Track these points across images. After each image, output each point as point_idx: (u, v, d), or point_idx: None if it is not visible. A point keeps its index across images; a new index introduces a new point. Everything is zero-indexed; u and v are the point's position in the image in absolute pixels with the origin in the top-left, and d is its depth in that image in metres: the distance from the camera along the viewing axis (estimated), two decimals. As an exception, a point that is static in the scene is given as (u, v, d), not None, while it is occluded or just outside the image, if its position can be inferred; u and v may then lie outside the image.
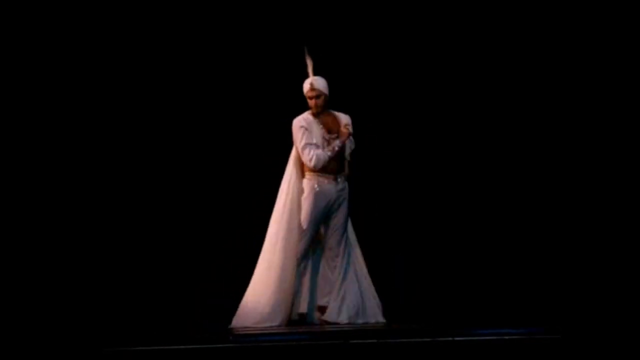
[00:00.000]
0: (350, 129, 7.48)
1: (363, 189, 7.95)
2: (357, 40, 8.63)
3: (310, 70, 7.45)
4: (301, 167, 7.53)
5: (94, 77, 8.32)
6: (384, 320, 7.49)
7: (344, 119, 7.55)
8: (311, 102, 7.48)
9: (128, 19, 8.41)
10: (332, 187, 7.47)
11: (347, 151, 7.54)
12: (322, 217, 7.46)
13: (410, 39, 8.68)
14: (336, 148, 7.44)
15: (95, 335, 6.73)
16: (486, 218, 8.49)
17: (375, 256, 7.76)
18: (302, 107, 7.53)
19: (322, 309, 7.47)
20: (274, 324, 7.30)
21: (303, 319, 7.49)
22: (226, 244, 8.47)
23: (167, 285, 8.28)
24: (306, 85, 7.47)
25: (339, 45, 8.49)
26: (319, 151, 7.42)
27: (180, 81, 8.52)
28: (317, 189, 7.45)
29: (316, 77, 7.45)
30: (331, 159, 7.42)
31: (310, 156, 7.40)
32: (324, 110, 7.51)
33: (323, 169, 7.44)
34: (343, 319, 7.40)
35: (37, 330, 7.32)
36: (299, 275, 7.43)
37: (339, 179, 7.49)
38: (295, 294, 7.43)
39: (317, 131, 7.47)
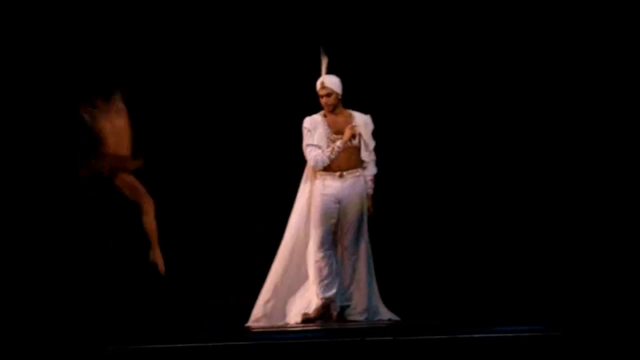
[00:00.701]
0: (357, 129, 7.46)
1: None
2: (372, 39, 8.57)
3: (324, 69, 7.44)
4: None
5: (99, 79, 8.25)
6: (398, 318, 7.55)
7: (359, 119, 7.54)
8: (322, 101, 7.48)
9: (138, 18, 8.36)
10: (337, 184, 7.47)
11: (364, 152, 7.52)
12: (329, 215, 7.45)
13: (422, 40, 8.64)
14: (336, 149, 7.46)
15: (99, 334, 6.70)
16: (486, 217, 8.49)
17: (376, 256, 7.77)
18: (319, 107, 7.56)
19: (344, 308, 7.49)
20: (294, 322, 7.39)
21: (341, 316, 7.48)
22: (227, 245, 8.45)
23: (170, 283, 8.23)
24: (318, 84, 7.47)
25: (355, 44, 8.45)
26: (318, 152, 7.44)
27: (193, 82, 8.44)
28: (323, 188, 7.47)
29: (328, 75, 7.44)
30: (337, 157, 7.44)
31: (310, 157, 7.46)
32: (337, 109, 7.51)
33: (327, 168, 7.47)
34: (363, 317, 7.47)
35: (39, 328, 7.28)
36: (329, 273, 7.41)
37: (346, 175, 7.50)
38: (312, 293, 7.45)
39: (322, 131, 7.48)
